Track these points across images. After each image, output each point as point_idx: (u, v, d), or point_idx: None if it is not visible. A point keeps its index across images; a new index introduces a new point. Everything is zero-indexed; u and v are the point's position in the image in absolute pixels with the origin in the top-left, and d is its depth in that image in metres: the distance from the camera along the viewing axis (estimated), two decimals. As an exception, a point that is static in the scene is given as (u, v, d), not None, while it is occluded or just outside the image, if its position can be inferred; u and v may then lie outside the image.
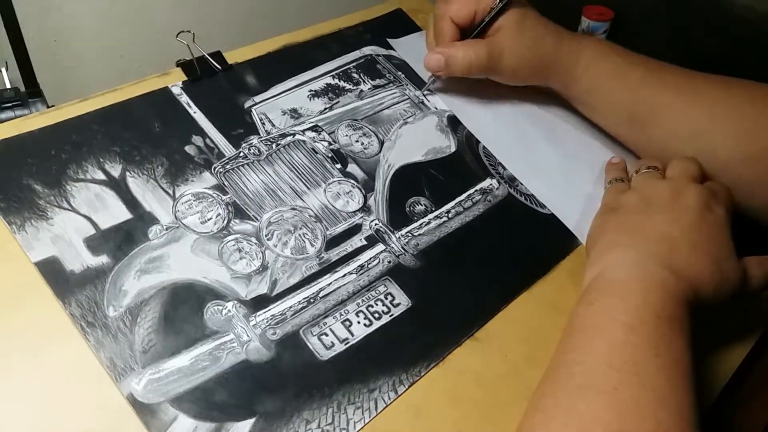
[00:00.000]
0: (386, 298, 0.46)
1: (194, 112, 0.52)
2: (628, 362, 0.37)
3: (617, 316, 0.40)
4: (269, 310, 0.43)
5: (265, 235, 0.47)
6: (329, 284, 0.46)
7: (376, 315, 0.45)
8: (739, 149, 0.51)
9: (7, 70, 0.72)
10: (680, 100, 0.54)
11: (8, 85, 0.69)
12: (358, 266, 0.47)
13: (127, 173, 0.47)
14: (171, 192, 0.47)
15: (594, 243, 0.48)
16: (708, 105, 0.53)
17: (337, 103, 0.57)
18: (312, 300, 0.45)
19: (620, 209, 0.49)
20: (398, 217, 0.50)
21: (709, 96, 0.54)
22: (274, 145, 0.52)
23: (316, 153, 0.53)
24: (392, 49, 0.63)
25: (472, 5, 0.57)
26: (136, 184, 0.47)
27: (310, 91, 0.58)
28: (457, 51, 0.56)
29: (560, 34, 0.57)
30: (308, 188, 0.51)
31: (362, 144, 0.55)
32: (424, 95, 0.60)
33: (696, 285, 0.42)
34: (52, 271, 0.41)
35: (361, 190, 0.51)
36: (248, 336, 0.42)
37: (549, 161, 0.58)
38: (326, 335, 0.43)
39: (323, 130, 0.55)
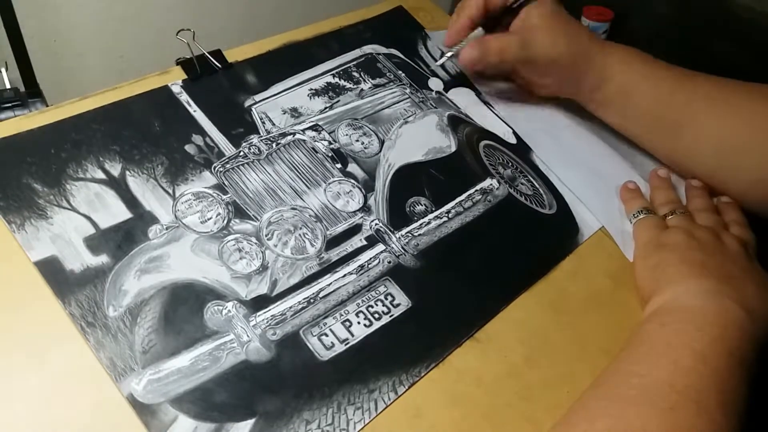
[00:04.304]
0: (386, 299, 0.46)
1: (194, 111, 0.52)
2: (691, 388, 0.37)
3: (690, 342, 0.40)
4: (269, 310, 0.43)
5: (265, 235, 0.47)
6: (329, 284, 0.45)
7: (376, 315, 0.45)
8: None
9: (6, 70, 0.72)
10: (715, 108, 0.53)
11: (8, 85, 0.69)
12: (358, 266, 0.47)
13: (127, 172, 0.47)
14: (171, 191, 0.47)
15: (658, 278, 0.47)
16: (747, 117, 0.52)
17: (337, 102, 0.57)
18: (312, 300, 0.44)
19: (673, 246, 0.48)
20: (398, 217, 0.50)
21: (748, 107, 0.52)
22: (274, 145, 0.52)
23: (317, 152, 0.53)
24: (393, 47, 0.63)
25: None
26: (135, 183, 0.47)
27: (311, 89, 0.57)
28: (489, 39, 0.57)
29: (591, 32, 0.57)
30: (308, 188, 0.51)
31: (362, 143, 0.55)
32: (439, 65, 0.62)
33: None
34: (51, 270, 0.41)
35: (361, 190, 0.51)
36: (248, 336, 0.42)
37: (577, 154, 0.59)
38: (326, 335, 0.43)
39: (323, 129, 0.55)
